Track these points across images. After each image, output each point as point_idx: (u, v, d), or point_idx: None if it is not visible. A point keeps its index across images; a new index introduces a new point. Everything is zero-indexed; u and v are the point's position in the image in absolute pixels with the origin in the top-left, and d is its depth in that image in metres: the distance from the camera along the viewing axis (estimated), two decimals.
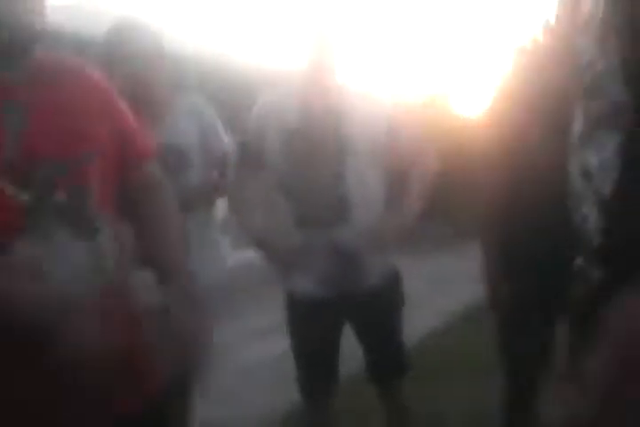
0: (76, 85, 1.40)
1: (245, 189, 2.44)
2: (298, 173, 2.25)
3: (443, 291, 7.27)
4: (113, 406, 1.35)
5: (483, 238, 2.35)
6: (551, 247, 2.05)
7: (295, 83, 2.36)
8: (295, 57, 2.31)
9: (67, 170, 1.31)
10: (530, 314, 2.22)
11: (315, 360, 2.34)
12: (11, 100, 1.30)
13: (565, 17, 2.12)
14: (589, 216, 1.88)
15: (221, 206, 2.62)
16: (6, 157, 1.26)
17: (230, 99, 8.37)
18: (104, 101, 1.44)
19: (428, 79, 18.46)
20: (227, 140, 2.48)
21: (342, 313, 2.33)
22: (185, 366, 1.54)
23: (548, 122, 2.07)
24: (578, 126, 1.96)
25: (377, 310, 2.32)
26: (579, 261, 1.96)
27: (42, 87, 1.34)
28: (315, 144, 2.22)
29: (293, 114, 2.26)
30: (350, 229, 2.22)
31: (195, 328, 1.49)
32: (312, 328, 2.30)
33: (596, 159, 1.90)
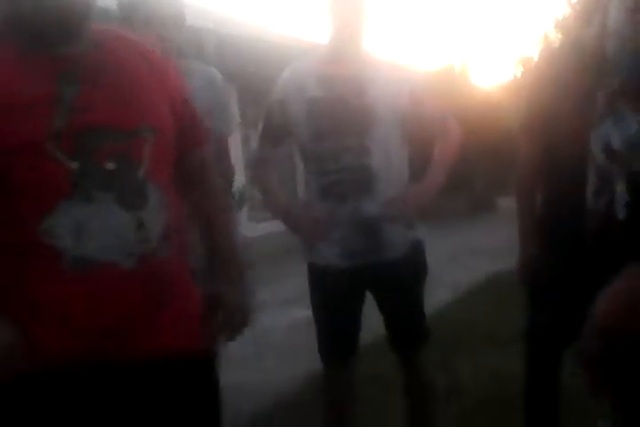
0: (136, 61, 1.42)
1: (269, 161, 2.43)
2: (322, 143, 2.24)
3: (458, 263, 7.29)
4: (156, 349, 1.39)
5: (518, 202, 2.34)
6: (582, 217, 2.04)
7: (319, 52, 2.34)
8: (319, 28, 2.30)
9: (119, 140, 1.33)
10: (559, 284, 2.20)
11: (336, 329, 2.35)
12: (67, 72, 1.32)
13: None
14: (616, 191, 1.88)
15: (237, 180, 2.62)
16: (58, 124, 1.29)
17: (249, 71, 8.34)
18: (165, 81, 1.46)
19: (447, 47, 18.32)
20: (236, 117, 2.47)
21: (364, 283, 2.33)
22: (229, 336, 1.58)
23: (578, 97, 2.05)
24: (599, 101, 1.94)
25: (399, 281, 2.32)
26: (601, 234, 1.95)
27: (100, 60, 1.37)
28: (338, 113, 2.21)
29: (315, 82, 2.24)
30: (374, 200, 2.22)
31: (242, 300, 1.55)
32: (334, 298, 2.31)
33: (620, 137, 1.90)
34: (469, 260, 7.53)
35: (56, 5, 1.29)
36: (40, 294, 1.29)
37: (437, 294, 4.97)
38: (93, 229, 1.29)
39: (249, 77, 8.17)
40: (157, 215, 1.35)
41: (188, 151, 1.52)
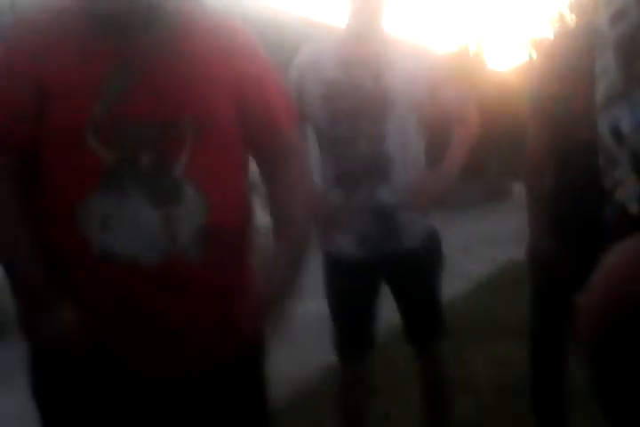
0: (210, 51, 1.38)
1: None
2: (337, 127, 2.20)
3: (471, 253, 7.25)
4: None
5: (528, 191, 2.29)
6: (594, 207, 1.99)
7: (336, 35, 2.31)
8: (336, 9, 2.25)
9: (158, 133, 1.31)
10: (566, 275, 2.15)
11: (352, 320, 2.31)
12: (123, 61, 1.31)
13: None
14: (624, 181, 1.79)
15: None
16: (99, 114, 1.29)
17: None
18: (239, 71, 1.40)
19: (461, 29, 18.22)
20: None
21: (380, 273, 2.30)
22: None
23: (591, 79, 1.99)
24: (607, 81, 1.85)
25: (415, 271, 2.29)
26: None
27: (164, 50, 1.34)
28: (354, 96, 2.17)
29: (332, 63, 2.20)
30: (390, 187, 2.18)
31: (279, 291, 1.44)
32: (350, 288, 2.28)
33: (631, 120, 1.81)
34: (483, 249, 7.49)
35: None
36: (70, 278, 1.31)
37: (451, 284, 4.94)
38: (120, 223, 1.29)
39: None
40: (191, 214, 1.32)
41: (261, 138, 1.45)
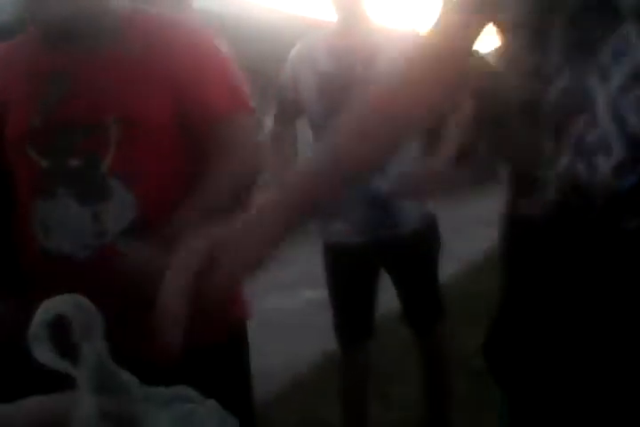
0: (144, 53, 1.39)
1: (282, 139, 2.42)
2: (333, 119, 2.21)
3: (464, 234, 7.23)
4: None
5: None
6: None
7: (327, 28, 2.35)
8: (323, 7, 2.28)
9: (86, 136, 1.36)
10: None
11: (352, 308, 2.35)
12: (62, 70, 1.37)
13: None
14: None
15: None
16: (34, 123, 1.36)
17: (257, 54, 8.21)
18: (172, 69, 1.39)
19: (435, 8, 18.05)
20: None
21: (379, 259, 2.34)
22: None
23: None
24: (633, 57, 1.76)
25: (413, 256, 2.32)
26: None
27: (103, 56, 1.38)
28: (346, 87, 2.19)
29: (324, 55, 2.24)
30: (384, 174, 2.20)
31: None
32: (349, 276, 2.32)
33: None
34: (476, 230, 7.49)
35: (62, 8, 1.30)
36: (28, 275, 1.41)
37: (445, 267, 4.96)
38: (54, 224, 1.38)
39: (255, 62, 8.05)
40: (120, 210, 1.37)
41: (198, 131, 1.43)
